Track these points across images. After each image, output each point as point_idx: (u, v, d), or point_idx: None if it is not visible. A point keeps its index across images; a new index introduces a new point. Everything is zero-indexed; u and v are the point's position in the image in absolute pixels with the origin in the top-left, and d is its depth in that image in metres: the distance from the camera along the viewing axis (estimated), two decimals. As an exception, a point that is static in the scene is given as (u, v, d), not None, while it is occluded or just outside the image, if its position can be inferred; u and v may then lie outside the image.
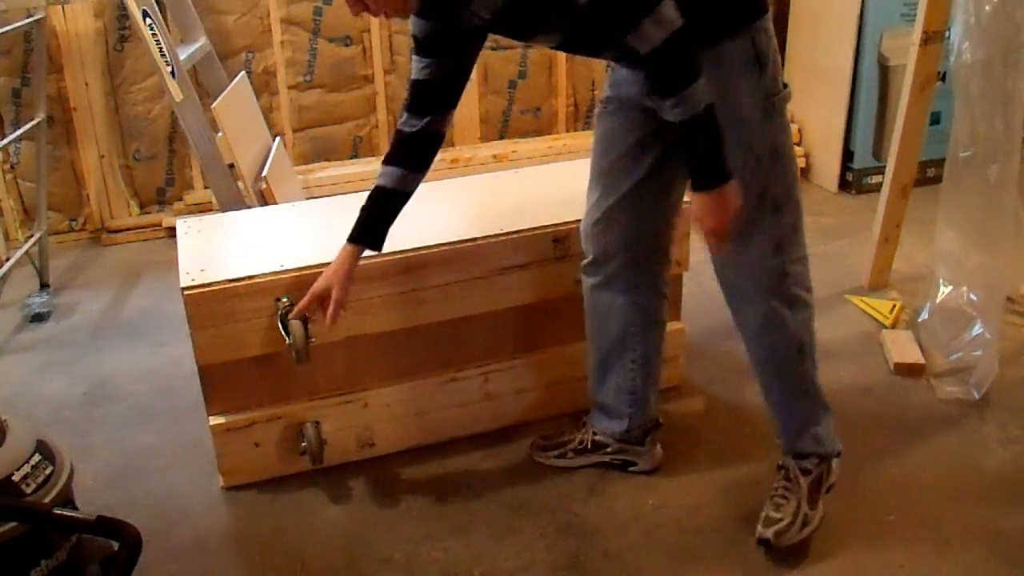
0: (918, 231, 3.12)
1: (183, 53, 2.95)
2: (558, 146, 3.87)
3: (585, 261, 2.01)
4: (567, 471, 2.14)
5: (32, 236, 3.20)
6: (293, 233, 2.27)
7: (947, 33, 2.60)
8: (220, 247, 2.17)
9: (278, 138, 3.45)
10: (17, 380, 2.69)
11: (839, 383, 2.42)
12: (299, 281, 1.98)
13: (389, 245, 2.05)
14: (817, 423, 1.90)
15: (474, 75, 3.84)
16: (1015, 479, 2.07)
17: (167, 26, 2.92)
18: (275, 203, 2.92)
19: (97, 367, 2.74)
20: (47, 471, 1.60)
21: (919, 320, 2.65)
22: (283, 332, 1.95)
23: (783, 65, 1.77)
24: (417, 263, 2.06)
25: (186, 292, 1.94)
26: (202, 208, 3.63)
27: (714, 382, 2.49)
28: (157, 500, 2.12)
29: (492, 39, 4.10)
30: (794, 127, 3.89)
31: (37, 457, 1.60)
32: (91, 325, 3.02)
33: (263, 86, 3.72)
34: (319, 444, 2.08)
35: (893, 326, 2.74)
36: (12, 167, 3.59)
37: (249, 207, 2.84)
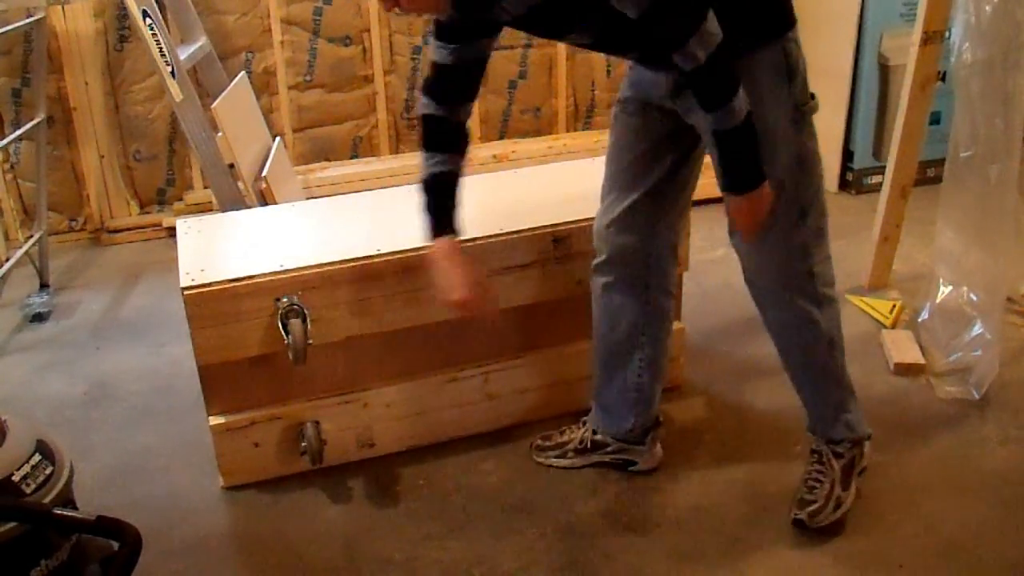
0: (918, 231, 3.12)
1: (183, 53, 2.95)
2: (558, 146, 3.87)
3: (597, 260, 2.00)
4: (567, 471, 2.14)
5: (32, 236, 3.20)
6: (293, 233, 2.27)
7: (947, 33, 2.60)
8: (220, 247, 2.17)
9: (278, 138, 3.45)
10: (17, 380, 2.69)
11: (839, 383, 2.41)
12: (299, 281, 1.98)
13: (389, 245, 2.06)
14: (848, 410, 1.95)
15: (474, 75, 3.87)
16: (1015, 479, 2.07)
17: (167, 26, 2.92)
18: (275, 203, 2.92)
19: (97, 367, 2.74)
20: (47, 471, 1.60)
21: (919, 320, 2.65)
22: (283, 332, 1.95)
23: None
24: (417, 263, 2.06)
25: (186, 292, 1.94)
26: (202, 208, 3.63)
27: (714, 382, 2.49)
28: (157, 500, 2.12)
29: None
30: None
31: (37, 457, 1.60)
32: (91, 325, 3.02)
33: (263, 86, 3.72)
34: (319, 444, 2.08)
35: (893, 326, 2.74)
36: (12, 167, 3.59)
37: (249, 207, 2.84)
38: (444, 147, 1.84)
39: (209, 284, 1.95)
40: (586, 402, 2.22)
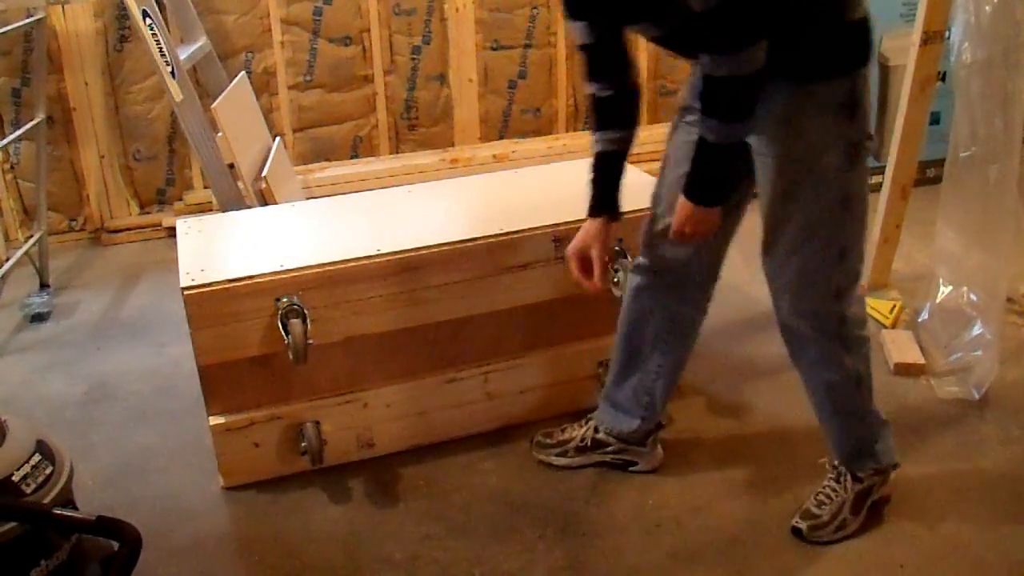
0: (918, 231, 3.12)
1: (183, 53, 2.95)
2: (558, 146, 3.87)
3: (637, 261, 1.98)
4: (567, 471, 2.14)
5: (32, 236, 3.20)
6: (293, 233, 2.27)
7: (947, 33, 2.60)
8: (220, 247, 2.17)
9: (278, 138, 3.45)
10: (17, 380, 2.68)
11: (839, 383, 2.41)
12: (299, 281, 1.98)
13: (389, 245, 2.06)
14: (875, 442, 1.90)
15: (474, 75, 3.88)
16: (1015, 479, 2.07)
17: (167, 26, 2.92)
18: (275, 203, 2.91)
19: (97, 367, 2.73)
20: (47, 471, 1.60)
21: (919, 320, 2.65)
22: (283, 332, 1.95)
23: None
24: (417, 263, 2.06)
25: (186, 292, 1.93)
26: (202, 208, 3.63)
27: (714, 382, 2.48)
28: (157, 500, 2.12)
29: (491, 39, 4.09)
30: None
31: (37, 457, 1.60)
32: (91, 325, 3.02)
33: (263, 86, 3.72)
34: (319, 444, 2.08)
35: (893, 326, 2.74)
36: (12, 167, 3.59)
37: (249, 207, 2.84)
38: (606, 125, 1.88)
39: (209, 284, 1.95)
40: (586, 402, 2.22)
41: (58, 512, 1.50)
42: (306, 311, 1.97)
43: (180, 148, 3.74)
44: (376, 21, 3.74)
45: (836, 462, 1.93)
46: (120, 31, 3.56)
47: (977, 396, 2.34)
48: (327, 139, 3.89)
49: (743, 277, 2.71)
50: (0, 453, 1.57)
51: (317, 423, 2.10)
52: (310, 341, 1.95)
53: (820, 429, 1.94)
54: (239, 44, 3.66)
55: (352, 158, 3.92)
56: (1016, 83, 2.32)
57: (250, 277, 1.97)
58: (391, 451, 2.21)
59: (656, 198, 1.92)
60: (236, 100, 3.17)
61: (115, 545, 1.43)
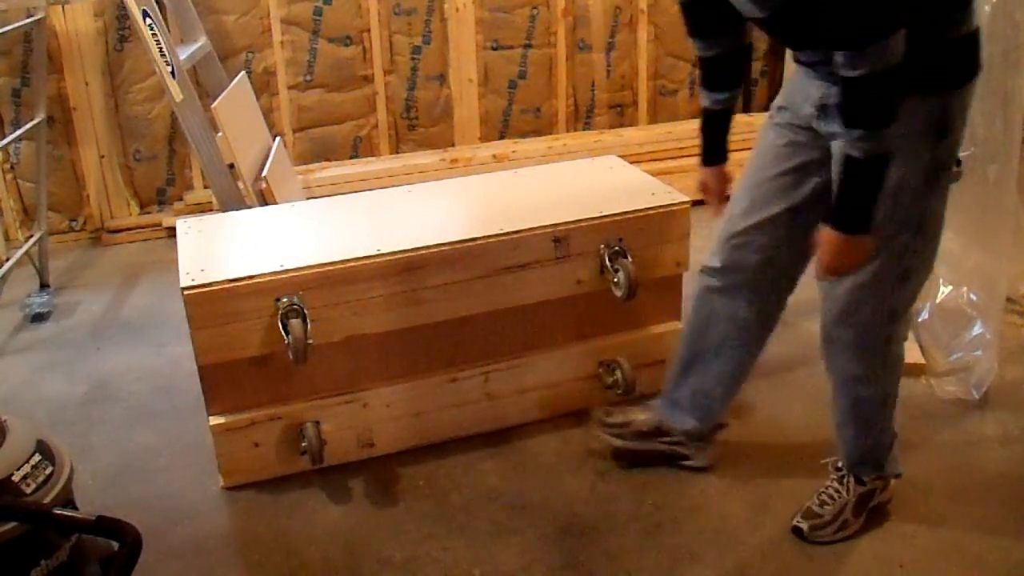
0: (918, 231, 3.12)
1: (183, 53, 2.95)
2: (558, 146, 3.87)
3: (709, 263, 1.94)
4: (567, 471, 2.14)
5: (32, 236, 3.20)
6: (293, 233, 2.27)
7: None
8: (220, 247, 2.18)
9: (278, 138, 3.45)
10: (17, 380, 2.69)
11: (839, 383, 2.41)
12: (299, 281, 1.98)
13: (389, 245, 2.06)
14: (882, 452, 1.90)
15: (474, 75, 3.88)
16: (1015, 479, 2.07)
17: (167, 26, 2.92)
18: (275, 203, 2.92)
19: (97, 367, 2.74)
20: (47, 471, 1.60)
21: (919, 320, 2.65)
22: (283, 332, 1.95)
23: (782, 81, 1.74)
24: (417, 263, 2.06)
25: (186, 292, 1.94)
26: (202, 208, 3.63)
27: (714, 382, 2.48)
28: (157, 500, 2.12)
29: (491, 39, 4.08)
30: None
31: (37, 457, 1.60)
32: (91, 325, 3.02)
33: (263, 86, 3.72)
34: (319, 444, 2.08)
35: (893, 326, 2.74)
36: (12, 167, 3.59)
37: (249, 207, 2.84)
38: (710, 86, 1.90)
39: (209, 284, 1.95)
40: (587, 402, 2.22)
41: (58, 512, 1.50)
42: (306, 311, 1.97)
43: (180, 148, 3.74)
44: (376, 21, 3.74)
45: (841, 464, 1.93)
46: (120, 31, 3.56)
47: (977, 396, 2.34)
48: (327, 139, 3.89)
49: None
50: (0, 453, 1.57)
51: (317, 423, 2.10)
52: (310, 341, 1.95)
53: (828, 430, 1.94)
54: (239, 44, 3.66)
55: (352, 158, 3.92)
56: (1015, 83, 2.32)
57: (250, 277, 1.97)
58: (391, 451, 2.21)
59: (737, 198, 1.88)
60: (236, 100, 3.17)
61: (115, 545, 1.43)
